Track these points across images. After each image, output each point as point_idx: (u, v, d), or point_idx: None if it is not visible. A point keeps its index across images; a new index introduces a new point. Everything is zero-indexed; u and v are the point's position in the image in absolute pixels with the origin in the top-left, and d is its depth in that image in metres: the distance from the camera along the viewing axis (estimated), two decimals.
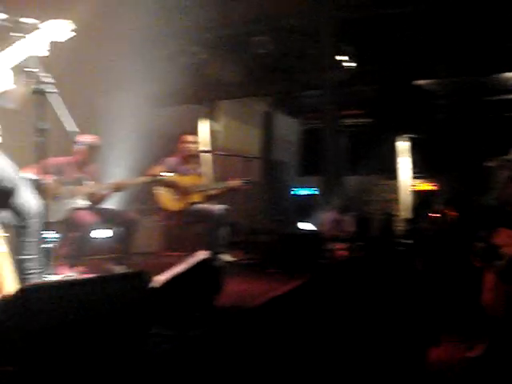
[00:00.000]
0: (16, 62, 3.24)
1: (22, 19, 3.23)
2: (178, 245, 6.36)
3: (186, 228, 6.24)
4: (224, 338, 3.14)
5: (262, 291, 4.14)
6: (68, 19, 3.35)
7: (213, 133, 9.65)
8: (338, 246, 6.35)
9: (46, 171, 4.95)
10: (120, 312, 2.61)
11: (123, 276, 3.08)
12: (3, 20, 3.17)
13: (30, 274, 3.34)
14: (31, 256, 3.39)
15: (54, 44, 3.30)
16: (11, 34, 3.19)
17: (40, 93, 3.19)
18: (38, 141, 3.24)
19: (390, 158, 9.21)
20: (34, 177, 4.69)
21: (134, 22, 7.17)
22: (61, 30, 3.30)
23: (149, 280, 2.92)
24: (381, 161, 9.23)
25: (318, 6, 8.10)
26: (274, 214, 9.55)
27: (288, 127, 11.68)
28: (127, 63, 7.48)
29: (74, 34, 3.35)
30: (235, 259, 5.77)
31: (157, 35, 8.16)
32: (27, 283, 3.16)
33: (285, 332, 3.50)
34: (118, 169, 6.65)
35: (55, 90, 3.25)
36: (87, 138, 5.26)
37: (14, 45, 3.20)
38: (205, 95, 9.36)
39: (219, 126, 10.00)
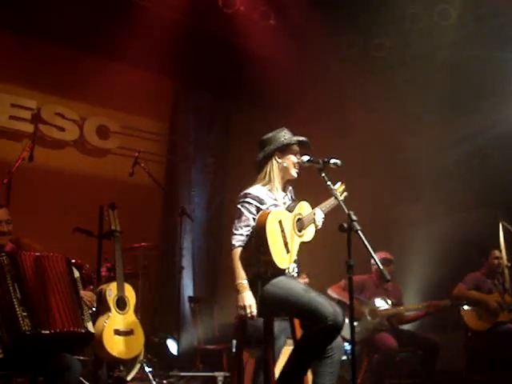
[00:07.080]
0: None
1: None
2: (486, 367, 5.82)
3: (494, 349, 5.72)
4: None
5: None
6: None
7: None
8: None
9: (345, 289, 5.08)
10: None
11: None
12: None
13: None
14: None
15: None
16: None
17: (348, 230, 3.26)
18: (347, 276, 3.27)
19: None
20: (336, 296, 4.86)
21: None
22: None
23: None
24: None
25: None
26: None
27: None
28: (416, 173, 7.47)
29: None
30: None
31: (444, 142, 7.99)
32: None
33: None
34: (418, 281, 6.48)
35: (360, 227, 3.27)
36: (380, 255, 5.27)
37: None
38: (501, 198, 8.78)
39: None
